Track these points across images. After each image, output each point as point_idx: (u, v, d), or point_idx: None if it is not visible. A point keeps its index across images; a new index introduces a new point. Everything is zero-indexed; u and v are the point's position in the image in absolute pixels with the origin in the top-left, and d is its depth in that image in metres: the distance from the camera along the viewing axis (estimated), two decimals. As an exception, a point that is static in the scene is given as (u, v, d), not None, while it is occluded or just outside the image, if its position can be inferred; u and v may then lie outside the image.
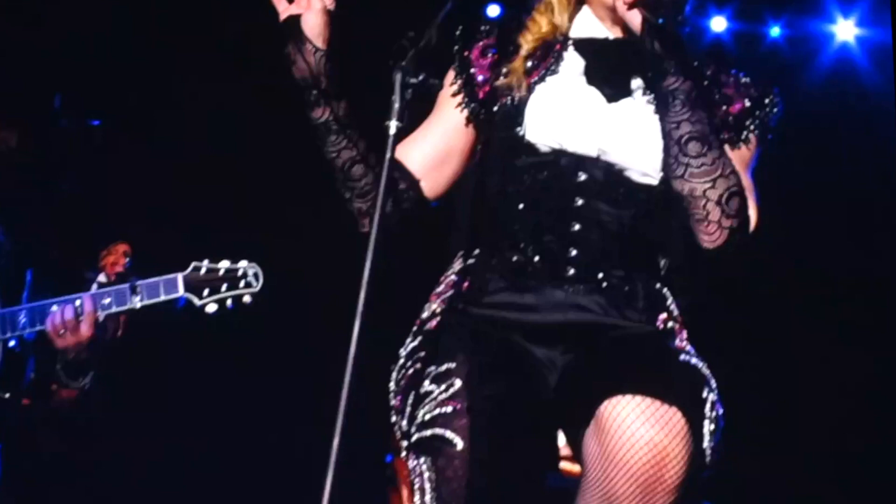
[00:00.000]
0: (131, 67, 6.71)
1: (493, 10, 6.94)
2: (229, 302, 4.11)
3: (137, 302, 4.12)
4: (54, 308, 4.13)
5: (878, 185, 6.88)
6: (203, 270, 4.12)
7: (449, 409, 2.73)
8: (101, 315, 4.13)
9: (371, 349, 2.37)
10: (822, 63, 7.05)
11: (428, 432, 2.74)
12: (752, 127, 2.97)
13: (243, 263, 4.15)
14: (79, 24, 6.49)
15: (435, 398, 2.76)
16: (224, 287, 4.11)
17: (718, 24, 7.09)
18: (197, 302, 4.10)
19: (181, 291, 4.10)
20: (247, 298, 4.13)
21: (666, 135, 2.81)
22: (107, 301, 4.14)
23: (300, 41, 2.88)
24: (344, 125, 2.91)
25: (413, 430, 2.80)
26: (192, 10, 6.77)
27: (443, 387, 2.75)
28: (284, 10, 2.93)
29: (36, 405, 4.57)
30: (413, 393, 2.81)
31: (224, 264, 4.14)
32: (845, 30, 7.06)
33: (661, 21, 2.75)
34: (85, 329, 4.09)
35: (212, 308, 4.11)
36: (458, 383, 2.73)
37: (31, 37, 6.18)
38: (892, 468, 6.61)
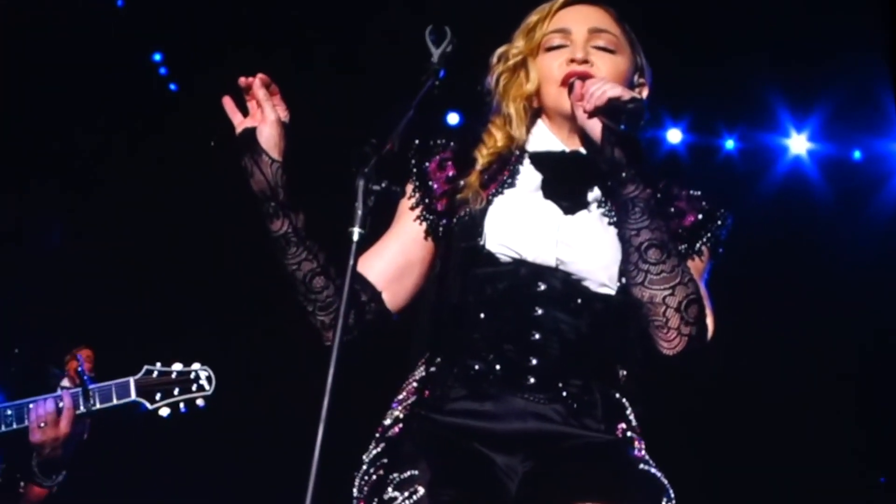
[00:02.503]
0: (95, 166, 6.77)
1: (453, 118, 7.03)
2: (182, 405, 4.12)
3: (91, 406, 4.12)
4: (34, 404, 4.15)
5: (829, 297, 6.95)
6: (155, 374, 4.13)
7: (412, 515, 2.73)
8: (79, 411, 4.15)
9: (334, 456, 2.38)
10: (775, 176, 7.15)
11: (392, 538, 2.74)
12: (704, 239, 3.03)
13: (196, 366, 4.16)
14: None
15: (399, 504, 2.76)
16: (177, 391, 4.11)
17: (674, 136, 7.21)
18: (149, 406, 4.10)
19: (133, 396, 4.10)
20: (200, 402, 4.13)
21: (625, 242, 2.85)
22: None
23: (257, 153, 2.90)
24: (303, 237, 2.92)
25: (377, 536, 2.79)
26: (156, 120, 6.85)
27: (406, 493, 2.75)
28: (240, 123, 2.98)
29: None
30: (376, 499, 2.80)
31: (177, 367, 4.15)
32: (798, 144, 7.18)
33: (622, 128, 2.79)
34: (64, 424, 4.10)
35: (165, 412, 4.12)
36: (420, 490, 2.74)
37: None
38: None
